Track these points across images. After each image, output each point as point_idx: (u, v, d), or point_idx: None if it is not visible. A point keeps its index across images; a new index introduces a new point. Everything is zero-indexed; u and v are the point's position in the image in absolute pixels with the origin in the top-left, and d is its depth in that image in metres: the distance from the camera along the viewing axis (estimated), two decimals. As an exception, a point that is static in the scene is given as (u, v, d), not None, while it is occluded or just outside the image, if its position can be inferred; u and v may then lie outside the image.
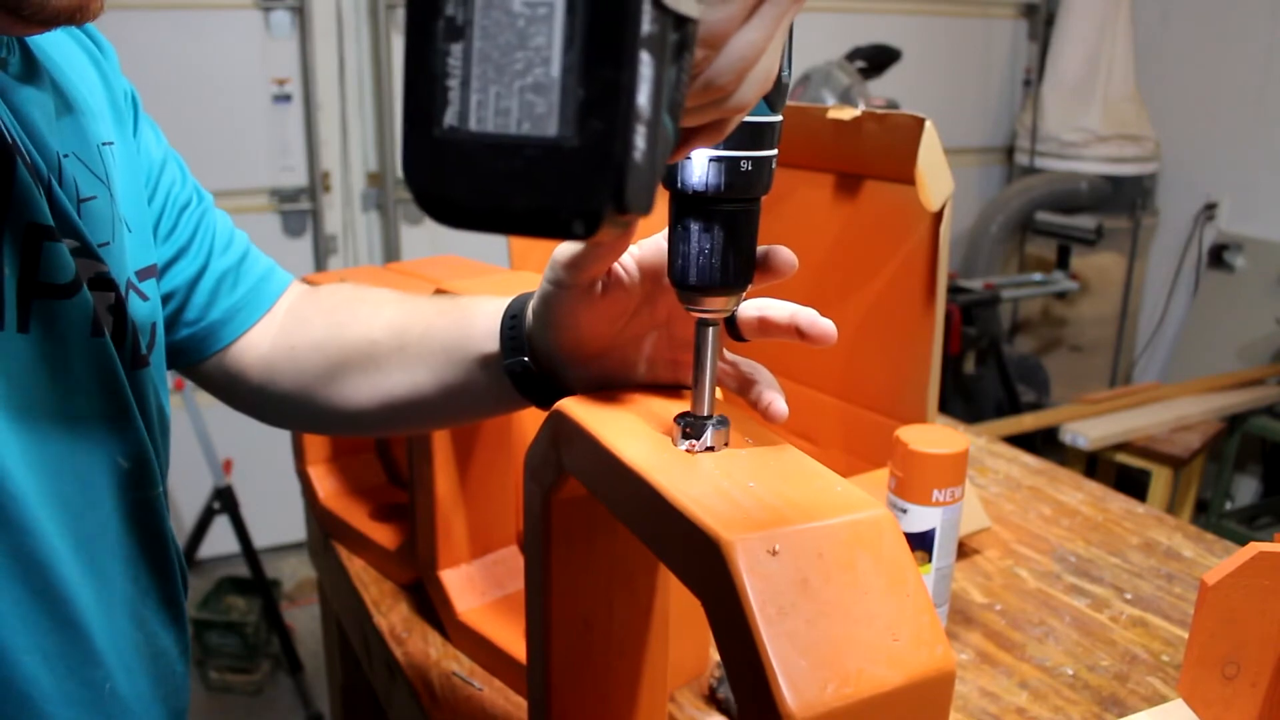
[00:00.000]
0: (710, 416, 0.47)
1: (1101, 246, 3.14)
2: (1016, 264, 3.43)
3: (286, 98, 2.55)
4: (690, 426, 0.47)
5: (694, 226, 0.46)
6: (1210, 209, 3.20)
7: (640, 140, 0.29)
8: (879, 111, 0.89)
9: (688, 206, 0.46)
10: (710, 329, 0.48)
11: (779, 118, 0.45)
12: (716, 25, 0.33)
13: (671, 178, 0.45)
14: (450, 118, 0.29)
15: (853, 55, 2.53)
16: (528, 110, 0.29)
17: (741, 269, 0.47)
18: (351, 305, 0.70)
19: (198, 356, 0.71)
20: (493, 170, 0.29)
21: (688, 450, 0.47)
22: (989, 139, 3.57)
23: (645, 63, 0.29)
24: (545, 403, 0.56)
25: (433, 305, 0.65)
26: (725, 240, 0.46)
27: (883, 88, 2.68)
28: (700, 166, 0.44)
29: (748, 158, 0.44)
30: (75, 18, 0.49)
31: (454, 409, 0.64)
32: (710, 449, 0.47)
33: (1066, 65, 3.24)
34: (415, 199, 0.30)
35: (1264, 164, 3.03)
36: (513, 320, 0.58)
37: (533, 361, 0.57)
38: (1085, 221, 3.12)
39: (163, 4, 2.34)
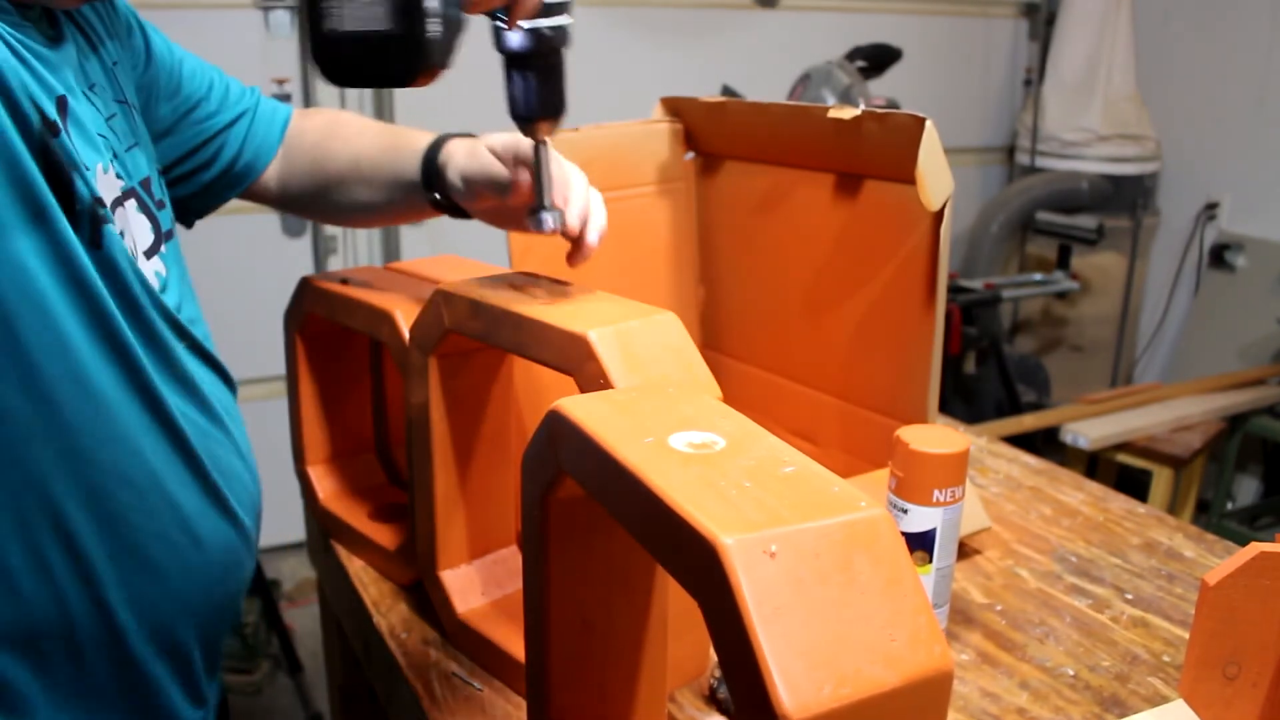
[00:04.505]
0: (550, 207, 0.70)
1: (1102, 246, 3.13)
2: (1017, 264, 3.42)
3: (286, 97, 2.55)
4: (534, 210, 0.70)
5: (517, 76, 0.67)
6: (1211, 209, 3.20)
7: (435, 26, 0.52)
8: (879, 111, 0.89)
9: (513, 62, 0.67)
10: (541, 148, 0.70)
11: None
12: None
13: (500, 43, 0.66)
14: (330, 25, 0.53)
15: (853, 55, 2.53)
16: (371, 16, 0.52)
17: (554, 102, 0.68)
18: (328, 142, 0.94)
19: (244, 183, 0.95)
20: (356, 53, 0.53)
21: (535, 229, 0.70)
22: (989, 139, 3.56)
23: None
24: (457, 214, 0.85)
25: (381, 141, 0.91)
26: (539, 83, 0.67)
27: (883, 87, 2.67)
28: (516, 35, 0.65)
29: (548, 25, 0.66)
30: None
31: (403, 214, 0.92)
32: (556, 230, 0.70)
33: (1067, 65, 3.24)
34: (322, 74, 0.55)
35: (1265, 163, 3.03)
36: (430, 163, 0.83)
37: (442, 196, 0.83)
38: (1086, 221, 3.11)
39: (163, 4, 2.34)
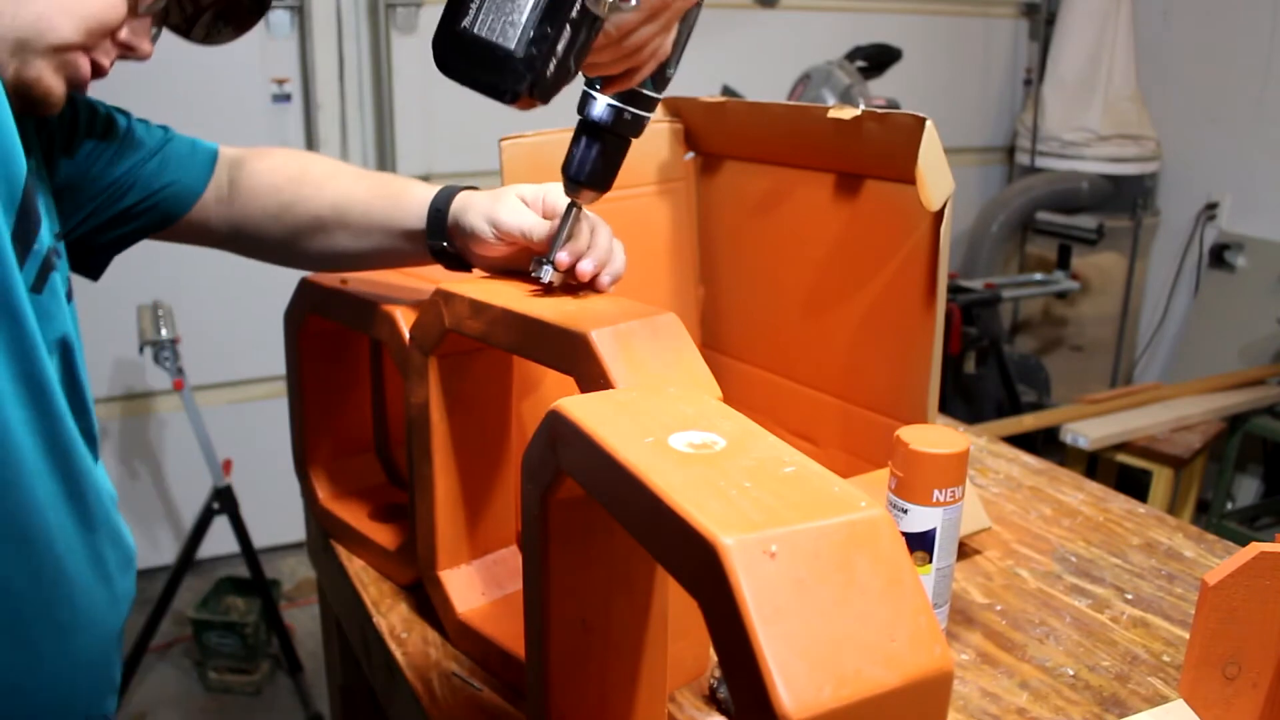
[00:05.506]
0: (554, 263, 0.73)
1: (1102, 246, 3.13)
2: (1017, 264, 3.42)
3: (286, 97, 2.55)
4: (541, 260, 0.74)
5: (585, 141, 0.71)
6: (1211, 208, 3.20)
7: (553, 67, 0.55)
8: (879, 111, 0.89)
9: (587, 129, 0.71)
10: (573, 209, 0.74)
11: (657, 95, 0.71)
12: (626, 22, 0.58)
13: (584, 108, 0.70)
14: (465, 23, 0.54)
15: (853, 55, 2.53)
16: (504, 33, 0.54)
17: (605, 177, 0.72)
18: (298, 186, 0.89)
19: (167, 224, 0.89)
20: (476, 57, 0.55)
21: (535, 275, 0.74)
22: (989, 139, 3.56)
23: (567, 31, 0.55)
24: (457, 267, 0.85)
25: (371, 188, 0.88)
26: (600, 156, 0.71)
27: (883, 87, 2.67)
28: (602, 106, 0.70)
29: (630, 110, 0.70)
30: (51, 111, 0.71)
31: (388, 262, 0.91)
32: (550, 283, 0.74)
33: (1067, 64, 3.24)
34: (435, 62, 0.56)
35: (1265, 163, 3.03)
36: (437, 213, 0.83)
37: (449, 244, 0.83)
38: (1086, 221, 3.11)
39: (163, 4, 2.34)
